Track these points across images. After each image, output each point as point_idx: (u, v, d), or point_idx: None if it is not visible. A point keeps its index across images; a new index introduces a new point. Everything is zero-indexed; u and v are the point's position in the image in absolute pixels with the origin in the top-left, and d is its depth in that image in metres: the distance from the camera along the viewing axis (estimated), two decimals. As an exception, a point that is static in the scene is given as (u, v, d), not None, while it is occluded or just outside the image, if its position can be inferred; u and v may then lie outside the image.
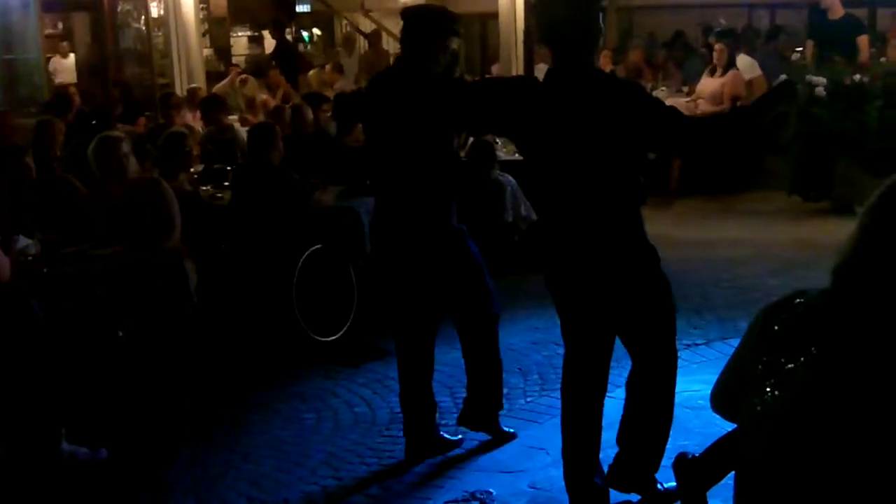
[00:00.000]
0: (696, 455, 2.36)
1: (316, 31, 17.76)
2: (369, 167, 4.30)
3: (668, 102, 3.68)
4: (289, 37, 14.40)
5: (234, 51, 15.43)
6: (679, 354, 3.72)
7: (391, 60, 6.72)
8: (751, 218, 8.82)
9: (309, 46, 16.79)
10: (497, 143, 7.45)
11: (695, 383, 4.52)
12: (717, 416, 2.00)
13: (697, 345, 5.46)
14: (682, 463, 2.38)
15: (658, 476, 3.70)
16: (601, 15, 3.43)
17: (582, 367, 3.61)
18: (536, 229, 5.20)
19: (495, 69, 12.16)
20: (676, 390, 3.70)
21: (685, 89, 10.88)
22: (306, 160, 6.66)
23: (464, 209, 4.24)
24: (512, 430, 4.44)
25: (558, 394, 3.73)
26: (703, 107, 9.52)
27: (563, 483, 3.67)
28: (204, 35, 13.41)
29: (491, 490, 3.97)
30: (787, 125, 8.28)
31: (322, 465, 4.33)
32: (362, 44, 14.14)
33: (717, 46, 9.76)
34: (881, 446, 1.58)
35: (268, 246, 5.78)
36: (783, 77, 7.03)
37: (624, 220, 3.44)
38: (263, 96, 10.86)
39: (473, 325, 4.24)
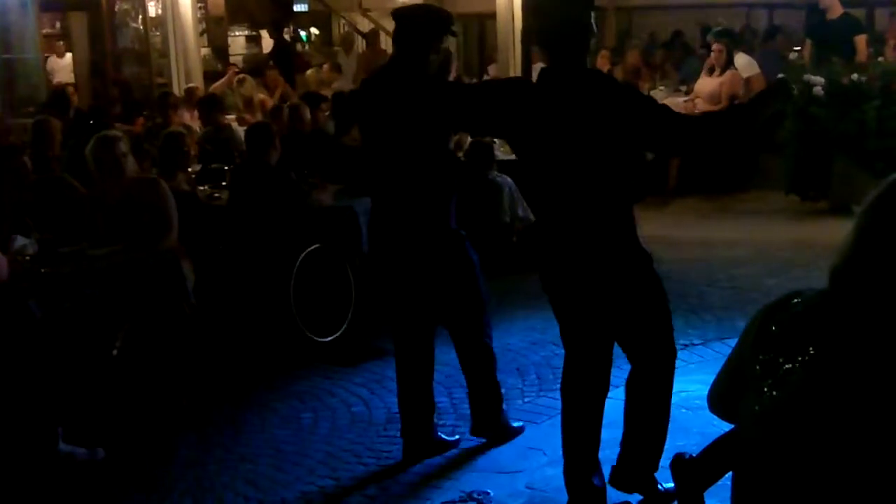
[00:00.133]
0: (694, 455, 2.36)
1: (314, 30, 17.74)
2: (366, 168, 4.30)
3: (665, 102, 3.69)
4: (287, 36, 14.39)
5: (231, 50, 15.38)
6: (677, 354, 3.72)
7: (389, 60, 6.71)
8: (749, 218, 8.80)
9: (307, 46, 16.78)
10: (496, 143, 7.45)
11: (692, 383, 4.51)
12: (715, 417, 2.00)
13: (695, 345, 5.45)
14: (680, 463, 2.38)
15: (657, 476, 3.70)
16: (594, 15, 3.44)
17: (581, 368, 3.61)
18: (533, 230, 5.21)
19: (493, 69, 12.16)
20: (674, 390, 3.70)
21: (683, 89, 10.89)
22: (304, 160, 6.65)
23: (461, 209, 4.24)
24: (521, 424, 4.45)
25: (556, 394, 3.73)
26: (702, 106, 9.50)
27: (559, 483, 3.67)
28: (202, 34, 13.41)
29: (488, 490, 3.97)
30: (782, 123, 8.29)
31: (320, 465, 4.32)
32: (360, 43, 14.12)
33: (715, 46, 9.74)
34: (879, 446, 1.58)
35: (265, 246, 5.77)
36: (780, 76, 7.03)
37: (617, 220, 3.44)
38: (261, 96, 10.84)
39: (464, 333, 4.25)
